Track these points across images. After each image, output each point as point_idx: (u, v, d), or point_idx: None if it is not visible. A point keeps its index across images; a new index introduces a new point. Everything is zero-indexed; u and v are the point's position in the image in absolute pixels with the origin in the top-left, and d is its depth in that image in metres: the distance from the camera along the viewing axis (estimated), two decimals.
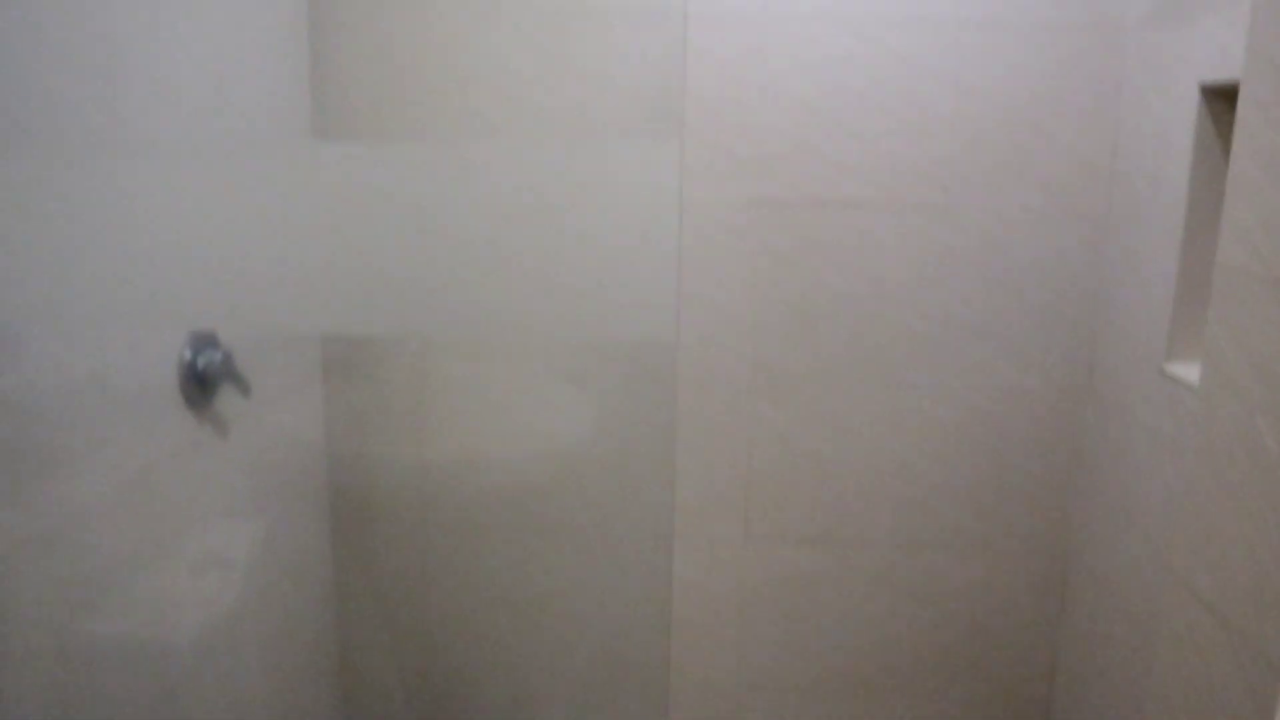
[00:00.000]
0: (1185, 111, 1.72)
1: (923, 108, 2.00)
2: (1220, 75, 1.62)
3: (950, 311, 2.08)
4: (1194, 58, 1.70)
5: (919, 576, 2.22)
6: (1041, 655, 2.24)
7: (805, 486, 2.18)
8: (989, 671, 2.26)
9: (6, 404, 1.21)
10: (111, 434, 1.44)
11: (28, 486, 1.26)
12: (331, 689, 2.29)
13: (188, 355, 1.66)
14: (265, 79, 1.86)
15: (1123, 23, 1.95)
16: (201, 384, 1.68)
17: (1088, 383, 2.09)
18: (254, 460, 1.88)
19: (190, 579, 1.69)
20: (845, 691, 2.28)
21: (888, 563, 2.21)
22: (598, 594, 2.24)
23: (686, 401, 2.14)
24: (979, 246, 2.05)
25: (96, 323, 1.40)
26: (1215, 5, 1.63)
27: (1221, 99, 1.66)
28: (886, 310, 2.09)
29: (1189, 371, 1.71)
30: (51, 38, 1.30)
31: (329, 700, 2.26)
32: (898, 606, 2.23)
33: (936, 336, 2.10)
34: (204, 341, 1.68)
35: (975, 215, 2.04)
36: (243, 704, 1.80)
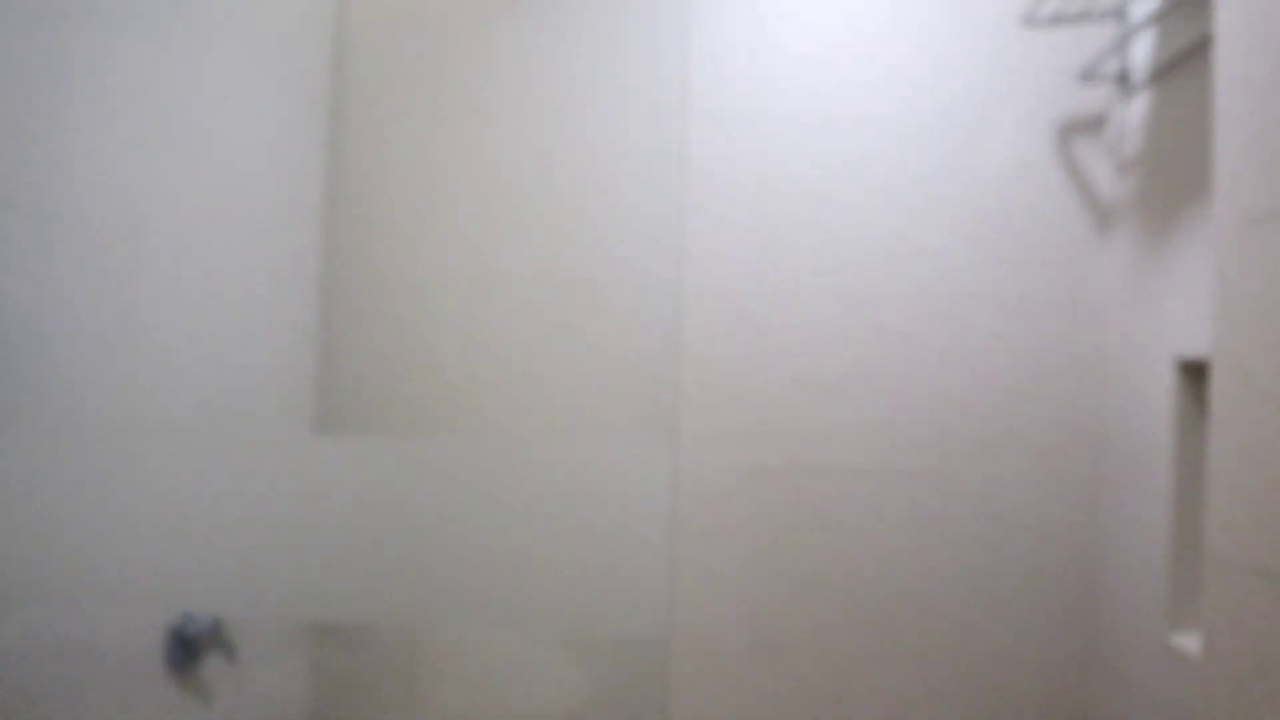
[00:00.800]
0: (1163, 384, 1.78)
1: (914, 377, 2.07)
2: (1193, 351, 1.68)
3: (949, 578, 2.07)
4: (1168, 334, 1.77)
5: None
6: None
7: None
8: None
9: None
10: (90, 700, 1.41)
11: None
12: None
13: (175, 621, 1.65)
14: (272, 374, 1.96)
15: (1099, 299, 2.05)
16: (187, 650, 1.66)
17: (1090, 650, 2.05)
18: None
19: None
20: None
21: None
22: None
23: (681, 674, 2.09)
24: (974, 513, 2.07)
25: (87, 589, 1.40)
26: (1182, 287, 1.72)
27: (1196, 373, 1.72)
28: (884, 576, 2.08)
29: (1191, 642, 1.68)
30: (68, 317, 1.37)
31: None
32: None
33: (935, 603, 2.07)
34: (193, 610, 1.67)
35: (969, 482, 2.07)
36: None
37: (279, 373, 1.99)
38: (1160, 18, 1.70)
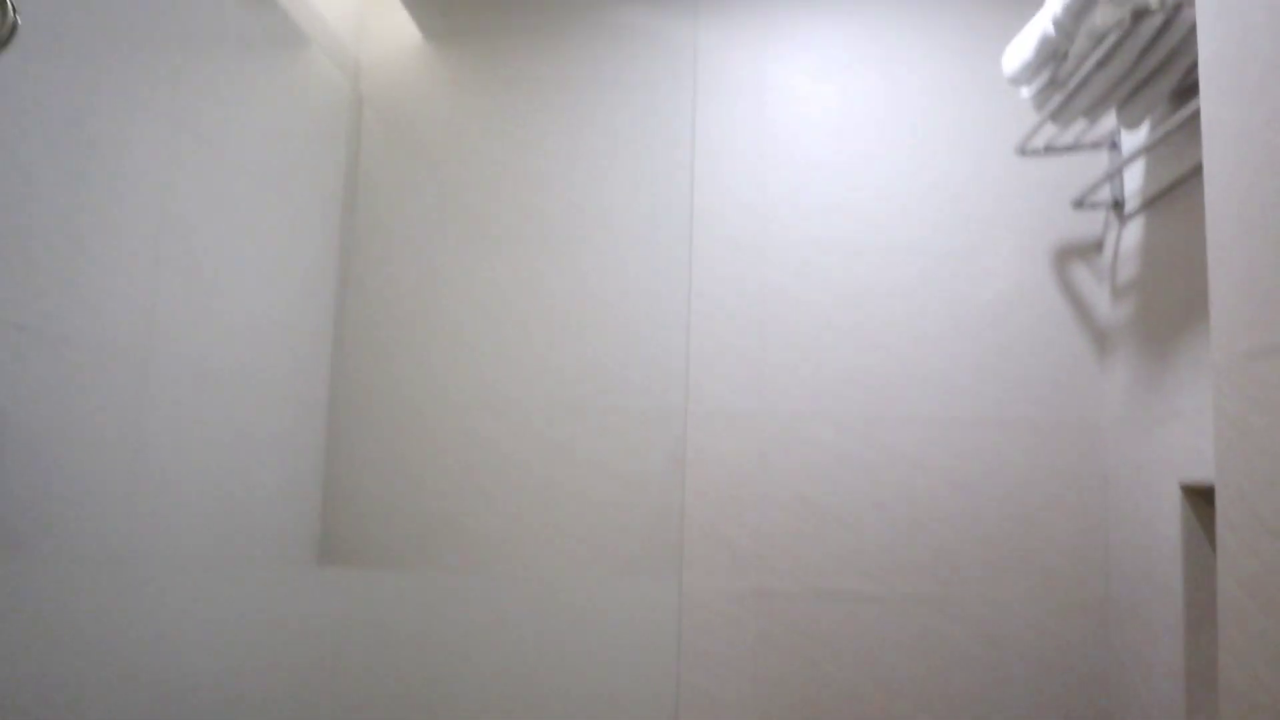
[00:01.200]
0: (1169, 508, 1.77)
1: (917, 502, 2.07)
2: (1197, 476, 1.68)
3: (956, 705, 2.03)
4: (1171, 458, 1.77)
5: None
6: None
7: None
8: None
9: None
10: None
11: None
12: None
13: None
14: (278, 504, 1.97)
15: (1102, 422, 2.06)
16: None
17: None
18: None
19: None
20: None
21: None
22: None
23: None
24: (981, 637, 2.04)
25: (84, 717, 1.38)
26: (1183, 411, 1.73)
27: (1202, 497, 1.72)
28: (890, 702, 2.04)
29: None
30: (76, 442, 1.37)
31: None
32: None
33: None
34: None
35: (975, 607, 2.04)
36: None
37: (285, 502, 1.99)
38: (1150, 149, 1.75)
